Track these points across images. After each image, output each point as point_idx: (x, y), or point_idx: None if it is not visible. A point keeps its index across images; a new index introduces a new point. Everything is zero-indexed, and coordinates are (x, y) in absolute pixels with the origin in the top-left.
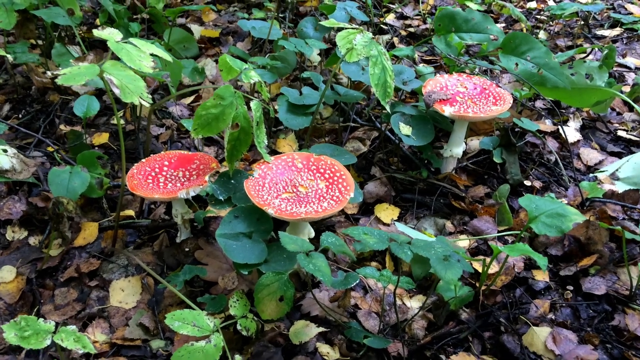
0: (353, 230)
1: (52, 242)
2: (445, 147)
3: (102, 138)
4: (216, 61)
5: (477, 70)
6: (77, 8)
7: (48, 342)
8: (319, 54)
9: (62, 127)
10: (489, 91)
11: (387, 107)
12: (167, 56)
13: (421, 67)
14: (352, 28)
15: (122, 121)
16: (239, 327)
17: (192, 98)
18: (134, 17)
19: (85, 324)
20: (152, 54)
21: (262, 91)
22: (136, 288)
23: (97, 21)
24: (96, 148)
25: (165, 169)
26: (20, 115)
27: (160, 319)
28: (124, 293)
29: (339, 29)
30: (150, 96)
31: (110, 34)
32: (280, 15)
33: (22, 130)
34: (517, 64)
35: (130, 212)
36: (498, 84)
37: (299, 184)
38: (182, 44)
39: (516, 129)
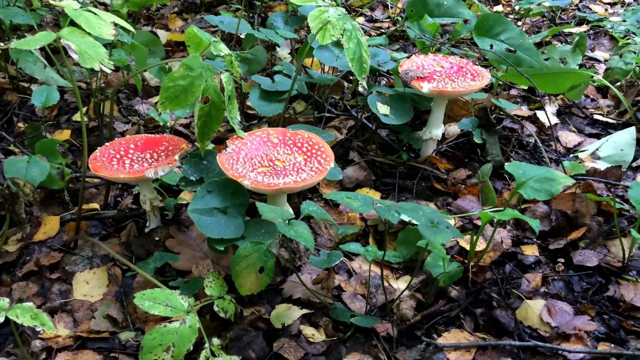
0: (336, 195)
1: (6, 229)
2: (424, 130)
3: (64, 135)
4: None
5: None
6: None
7: (1, 319)
8: (290, 53)
9: (20, 124)
10: (465, 69)
11: (364, 83)
12: (129, 26)
13: (394, 54)
14: (324, 5)
15: (85, 118)
16: (216, 309)
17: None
18: None
19: None
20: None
21: (233, 67)
22: (102, 280)
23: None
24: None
25: (131, 151)
26: None
27: (130, 311)
28: (89, 285)
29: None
30: (111, 63)
31: (68, 4)
32: (250, 17)
33: None
34: (491, 45)
35: (94, 205)
36: (475, 62)
37: (276, 158)
38: (148, 47)
39: (493, 115)
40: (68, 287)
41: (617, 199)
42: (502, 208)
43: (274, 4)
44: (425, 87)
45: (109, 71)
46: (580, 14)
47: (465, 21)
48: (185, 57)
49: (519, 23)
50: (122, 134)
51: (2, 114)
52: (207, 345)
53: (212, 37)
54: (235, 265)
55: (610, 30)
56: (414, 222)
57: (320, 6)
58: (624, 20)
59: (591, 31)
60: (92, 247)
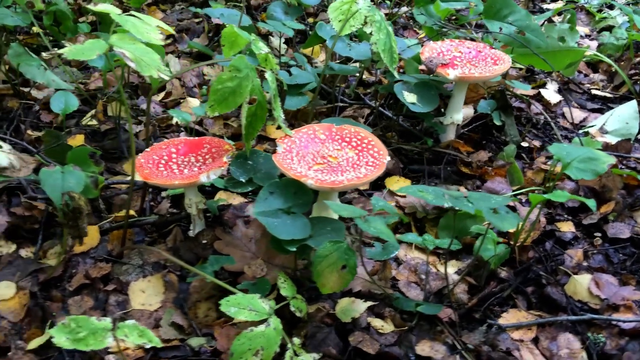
0: (408, 189)
1: (64, 242)
2: (446, 115)
3: (78, 140)
4: (179, 56)
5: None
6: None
7: (110, 340)
8: (285, 43)
9: (29, 132)
10: (484, 53)
11: (395, 74)
12: (170, 29)
13: (404, 39)
14: None
15: (94, 121)
16: (292, 309)
17: (162, 94)
18: (79, 19)
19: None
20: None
21: (268, 64)
22: (158, 287)
23: (34, 29)
24: None
25: (174, 156)
26: None
27: (191, 316)
28: (145, 294)
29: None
30: (167, 69)
31: (103, 7)
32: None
33: None
34: (500, 28)
35: (130, 212)
36: (492, 46)
37: (327, 154)
38: None
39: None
40: (124, 297)
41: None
42: (535, 188)
43: None
44: (452, 74)
45: (167, 78)
46: None
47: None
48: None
49: None
50: (136, 135)
51: (7, 121)
52: (289, 345)
53: (252, 35)
54: (316, 265)
55: (586, 5)
56: (456, 207)
57: None
58: None
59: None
60: (141, 255)
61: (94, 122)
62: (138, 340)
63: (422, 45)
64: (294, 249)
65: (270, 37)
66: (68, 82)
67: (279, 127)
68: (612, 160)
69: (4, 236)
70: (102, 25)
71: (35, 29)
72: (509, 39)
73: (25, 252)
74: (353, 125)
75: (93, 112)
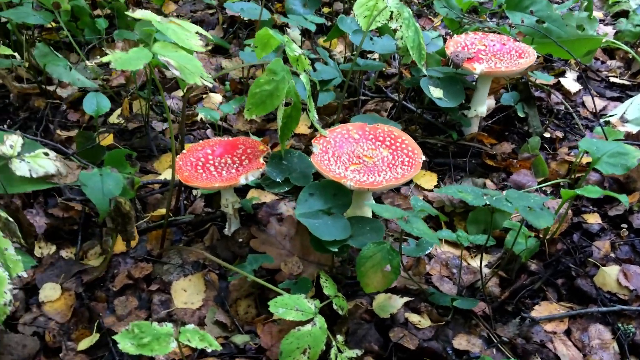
0: (448, 189)
1: (112, 246)
2: (470, 108)
3: (108, 139)
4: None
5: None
6: (65, 0)
7: (173, 345)
8: (300, 34)
9: (59, 132)
10: (509, 46)
11: (424, 69)
12: (209, 36)
13: (425, 32)
14: None
15: (121, 119)
16: (335, 307)
17: (181, 92)
18: (95, 13)
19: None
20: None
21: (300, 65)
22: (199, 286)
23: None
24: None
25: (210, 157)
26: (5, 126)
27: (233, 313)
28: (187, 293)
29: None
30: (209, 75)
31: (144, 15)
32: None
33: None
34: (522, 20)
35: (164, 211)
36: (515, 39)
37: (362, 154)
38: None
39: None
40: (167, 296)
41: None
42: (561, 180)
43: None
44: (479, 68)
45: (210, 85)
46: None
47: None
48: None
49: None
50: (162, 132)
51: (35, 121)
52: (334, 343)
53: (285, 37)
54: (360, 266)
55: None
56: (496, 207)
57: None
58: None
59: None
60: (180, 254)
61: (121, 120)
62: (200, 345)
63: (443, 39)
64: (336, 249)
65: (287, 28)
66: (90, 78)
67: (312, 127)
68: None
69: (44, 237)
70: (118, 19)
71: (54, 25)
72: (530, 30)
73: (65, 253)
74: (385, 124)
75: (120, 110)
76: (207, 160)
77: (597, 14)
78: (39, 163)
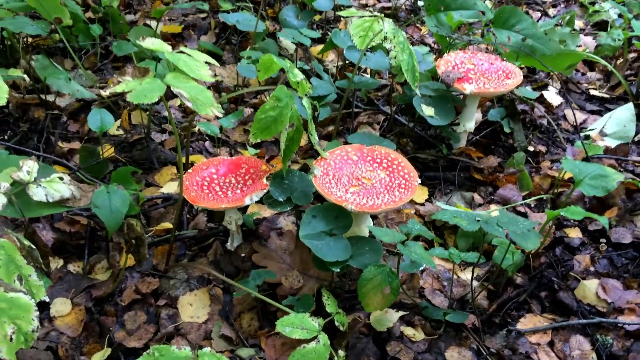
0: (444, 215)
1: (124, 266)
2: (460, 124)
3: (109, 152)
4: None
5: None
6: (67, 15)
7: None
8: (293, 42)
9: (60, 144)
10: (496, 66)
11: (417, 92)
12: (216, 63)
13: (416, 47)
14: (369, 16)
15: (121, 131)
16: (336, 324)
17: (179, 101)
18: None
19: (164, 344)
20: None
21: (301, 89)
22: (204, 301)
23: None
24: None
25: (215, 177)
26: (6, 137)
27: (237, 327)
28: (193, 307)
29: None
30: (219, 106)
31: (154, 44)
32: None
33: (25, 151)
34: (509, 37)
35: (167, 225)
36: (502, 58)
37: (361, 176)
38: None
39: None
40: (174, 311)
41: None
42: (544, 195)
43: None
44: (468, 89)
45: (220, 115)
46: None
47: (483, 13)
48: None
49: None
50: (162, 144)
51: (37, 133)
52: (336, 358)
53: (288, 62)
54: (361, 287)
55: None
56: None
57: (363, 16)
58: None
59: None
60: (185, 269)
61: (121, 132)
62: None
63: (431, 48)
64: (338, 270)
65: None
66: (87, 86)
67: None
68: (621, 177)
69: (51, 251)
70: (112, 24)
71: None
72: (516, 48)
73: (73, 267)
74: (382, 147)
75: (119, 122)
76: (212, 180)
77: (578, 23)
78: (55, 188)
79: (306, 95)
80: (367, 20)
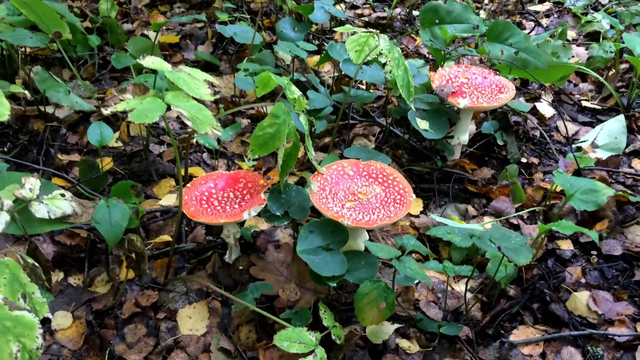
0: (437, 231)
1: (124, 281)
2: (454, 136)
3: (107, 164)
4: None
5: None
6: (66, 30)
7: None
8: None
9: (60, 156)
10: (489, 80)
11: (412, 106)
12: (215, 81)
13: (410, 60)
14: (365, 32)
15: (119, 143)
16: (333, 337)
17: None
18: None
19: (164, 357)
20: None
21: (298, 105)
22: (203, 313)
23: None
24: None
25: (213, 191)
26: (6, 149)
27: (235, 339)
28: (192, 320)
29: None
30: (218, 124)
31: (154, 63)
32: (241, 14)
33: (25, 165)
34: (502, 51)
35: (166, 238)
36: (496, 72)
37: (357, 191)
38: (145, 53)
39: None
40: (173, 323)
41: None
42: (537, 207)
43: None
44: (462, 103)
45: (220, 135)
46: None
47: (476, 27)
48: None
49: (487, 2)
50: (160, 156)
51: (36, 145)
52: None
53: (285, 79)
54: (358, 302)
55: (572, 7)
56: (481, 247)
57: (356, 32)
58: None
59: (554, 8)
60: (184, 282)
61: (120, 143)
62: None
63: (426, 59)
64: (334, 284)
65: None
66: (85, 97)
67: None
68: (611, 192)
69: (52, 266)
70: (110, 34)
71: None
72: (509, 62)
73: (73, 280)
74: (378, 162)
75: (117, 134)
76: (210, 194)
77: (571, 33)
78: (57, 204)
79: (303, 111)
80: (362, 35)
